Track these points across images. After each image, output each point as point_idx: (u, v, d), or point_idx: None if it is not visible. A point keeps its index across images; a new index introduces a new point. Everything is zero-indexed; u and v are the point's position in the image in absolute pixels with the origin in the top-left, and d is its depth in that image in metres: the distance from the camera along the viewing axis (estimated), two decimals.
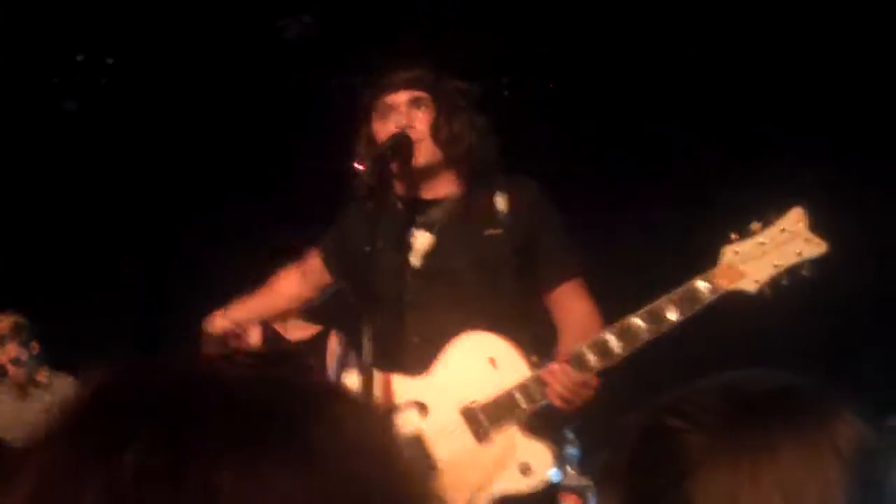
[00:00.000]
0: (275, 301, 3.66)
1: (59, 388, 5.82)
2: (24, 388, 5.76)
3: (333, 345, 5.14)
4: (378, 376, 2.97)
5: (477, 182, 3.29)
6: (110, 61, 6.88)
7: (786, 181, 3.95)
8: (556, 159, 5.92)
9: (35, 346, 5.76)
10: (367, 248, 3.05)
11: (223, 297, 3.69)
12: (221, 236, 6.99)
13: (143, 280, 7.88)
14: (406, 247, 3.22)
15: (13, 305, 5.86)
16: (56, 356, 5.86)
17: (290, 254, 3.94)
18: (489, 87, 6.17)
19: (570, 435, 5.56)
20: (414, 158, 3.17)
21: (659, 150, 6.63)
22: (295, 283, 3.60)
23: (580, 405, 3.00)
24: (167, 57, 6.76)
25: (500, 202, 3.25)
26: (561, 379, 2.93)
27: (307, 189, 6.23)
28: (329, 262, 3.48)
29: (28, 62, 6.79)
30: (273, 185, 7.17)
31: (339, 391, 0.85)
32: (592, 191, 6.37)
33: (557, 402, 2.98)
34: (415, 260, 3.21)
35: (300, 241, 3.94)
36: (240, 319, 3.57)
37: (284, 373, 0.82)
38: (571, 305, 3.19)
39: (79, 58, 6.88)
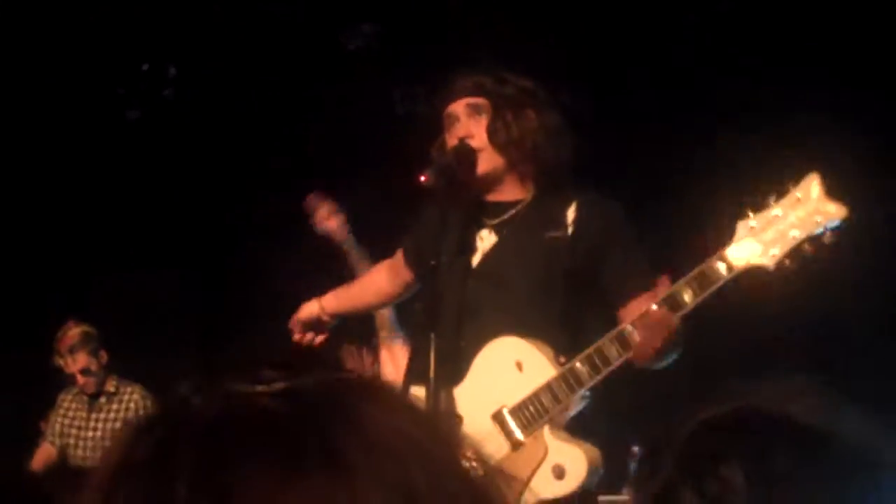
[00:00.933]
0: (364, 295, 3.62)
1: (127, 397, 5.88)
2: (93, 397, 5.83)
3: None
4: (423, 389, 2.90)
5: (550, 186, 3.21)
6: (174, 71, 6.94)
7: (797, 150, 3.80)
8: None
9: (104, 356, 5.84)
10: (433, 261, 3.01)
11: (279, 303, 3.72)
12: (282, 246, 7.02)
13: (203, 287, 7.93)
14: (470, 249, 3.19)
15: (80, 315, 5.93)
16: (123, 365, 5.92)
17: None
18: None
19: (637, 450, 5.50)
20: (477, 166, 3.14)
21: (670, 123, 6.50)
22: (384, 278, 3.55)
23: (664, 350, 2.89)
24: (230, 67, 6.81)
25: (571, 207, 3.18)
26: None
27: (373, 200, 6.23)
28: (409, 260, 3.43)
29: (94, 72, 6.87)
30: (337, 196, 7.19)
31: (376, 392, 0.84)
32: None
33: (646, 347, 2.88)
34: (475, 261, 3.17)
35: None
36: (332, 309, 3.56)
37: (317, 381, 0.82)
38: None
39: (143, 67, 6.95)
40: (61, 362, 5.78)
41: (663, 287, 2.88)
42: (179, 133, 7.22)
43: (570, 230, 3.13)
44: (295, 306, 3.63)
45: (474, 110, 3.21)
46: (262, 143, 7.10)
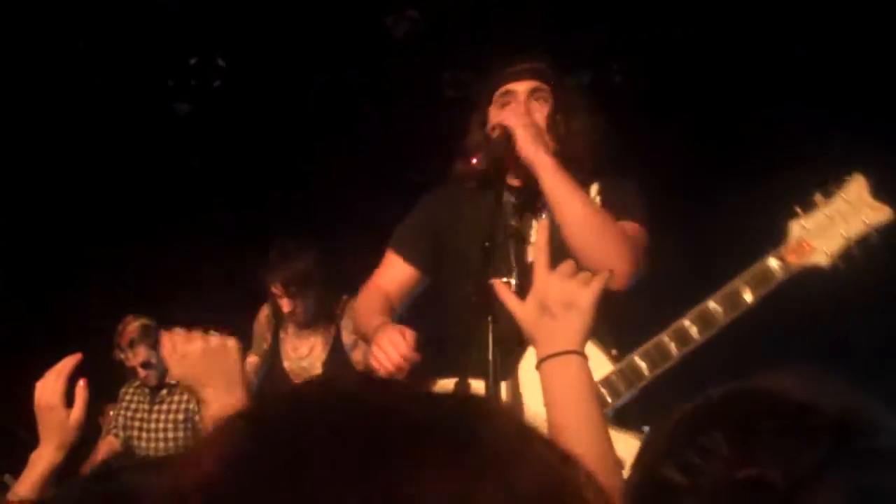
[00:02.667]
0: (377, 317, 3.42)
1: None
2: (155, 390, 5.89)
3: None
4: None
5: (579, 175, 3.22)
6: (222, 63, 6.98)
7: (842, 151, 3.79)
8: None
9: None
10: (486, 244, 2.98)
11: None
12: (340, 232, 7.04)
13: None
14: (524, 236, 3.19)
15: (141, 309, 6.00)
16: None
17: None
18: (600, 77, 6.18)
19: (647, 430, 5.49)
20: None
21: (721, 127, 6.45)
22: (377, 299, 3.45)
23: None
24: (277, 58, 6.83)
25: (593, 192, 3.23)
26: None
27: (421, 186, 6.23)
28: (409, 256, 3.43)
29: (143, 65, 6.93)
30: (384, 182, 7.20)
31: (485, 401, 0.86)
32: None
33: None
34: (530, 248, 3.16)
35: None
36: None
37: (452, 397, 0.85)
38: None
39: (192, 61, 7.00)
40: (122, 356, 5.86)
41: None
42: (229, 124, 7.25)
43: None
44: None
45: (536, 94, 3.22)
46: (311, 131, 7.12)
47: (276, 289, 4.98)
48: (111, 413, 5.99)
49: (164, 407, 5.88)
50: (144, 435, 5.86)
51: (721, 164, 6.24)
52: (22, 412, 4.80)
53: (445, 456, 0.76)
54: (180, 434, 5.75)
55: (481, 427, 0.80)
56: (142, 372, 5.86)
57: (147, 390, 5.93)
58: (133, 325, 5.84)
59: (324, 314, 5.04)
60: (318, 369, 4.99)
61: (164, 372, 5.89)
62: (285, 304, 4.97)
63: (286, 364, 5.09)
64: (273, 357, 5.13)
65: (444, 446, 0.77)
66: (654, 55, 6.46)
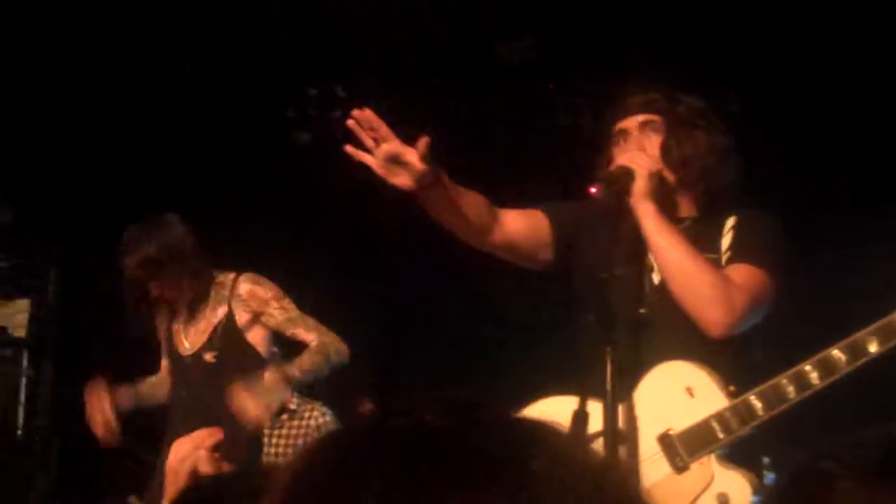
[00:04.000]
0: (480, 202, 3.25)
1: (308, 414, 5.97)
2: (274, 415, 5.84)
3: None
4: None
5: (712, 206, 3.29)
6: (343, 94, 7.11)
7: None
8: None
9: None
10: (606, 273, 3.00)
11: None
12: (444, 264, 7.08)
13: (377, 305, 8.05)
14: (646, 266, 3.22)
15: None
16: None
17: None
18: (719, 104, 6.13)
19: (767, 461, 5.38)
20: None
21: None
22: (518, 220, 3.32)
23: None
24: (392, 86, 6.92)
25: (729, 223, 3.24)
26: None
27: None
28: (557, 223, 3.36)
29: (264, 95, 7.08)
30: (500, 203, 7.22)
31: (551, 439, 0.89)
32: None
33: None
34: (655, 277, 3.21)
35: None
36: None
37: (496, 420, 0.89)
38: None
39: (311, 92, 7.14)
40: None
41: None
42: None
43: (720, 251, 3.19)
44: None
45: (648, 128, 3.27)
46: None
47: (139, 271, 4.56)
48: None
49: (284, 432, 5.87)
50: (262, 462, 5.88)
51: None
52: (140, 434, 4.97)
53: (493, 483, 0.79)
54: None
55: (534, 458, 0.82)
56: None
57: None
58: None
59: (205, 295, 4.69)
60: (211, 356, 4.66)
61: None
62: (154, 288, 4.60)
63: (185, 357, 4.74)
64: (172, 355, 4.82)
65: (492, 474, 0.80)
66: (776, 82, 6.40)
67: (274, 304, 4.62)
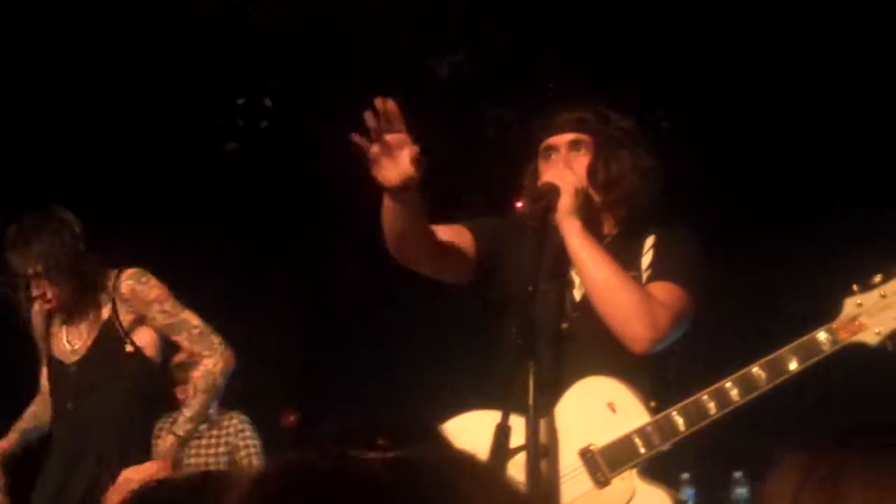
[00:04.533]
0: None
1: (226, 422, 5.95)
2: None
3: None
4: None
5: (635, 222, 3.34)
6: (269, 104, 7.08)
7: None
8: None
9: None
10: (530, 287, 3.01)
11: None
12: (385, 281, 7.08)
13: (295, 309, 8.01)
14: (568, 283, 3.26)
15: None
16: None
17: None
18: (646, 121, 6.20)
19: (685, 477, 5.46)
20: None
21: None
22: (444, 234, 3.32)
23: None
24: (320, 98, 6.91)
25: (649, 241, 3.30)
26: None
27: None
28: (480, 238, 3.38)
29: (192, 104, 7.03)
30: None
31: (477, 471, 0.91)
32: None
33: None
34: (577, 292, 3.25)
35: None
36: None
37: (425, 455, 0.88)
38: None
39: (239, 101, 7.10)
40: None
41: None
42: (275, 163, 7.34)
43: (640, 268, 3.24)
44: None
45: (577, 146, 3.29)
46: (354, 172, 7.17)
47: (25, 272, 4.25)
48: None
49: (204, 442, 5.88)
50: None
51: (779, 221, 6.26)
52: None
53: None
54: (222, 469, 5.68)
55: (464, 488, 0.83)
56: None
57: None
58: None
59: (88, 295, 4.34)
60: (98, 361, 4.35)
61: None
62: (35, 288, 4.27)
63: (64, 361, 4.42)
64: (53, 362, 4.48)
65: None
66: (702, 98, 6.48)
67: (156, 306, 4.30)
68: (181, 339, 4.31)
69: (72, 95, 6.67)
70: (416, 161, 2.94)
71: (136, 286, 4.31)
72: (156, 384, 4.48)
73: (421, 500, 0.81)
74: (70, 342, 4.41)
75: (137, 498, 1.65)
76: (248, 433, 5.96)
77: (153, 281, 4.34)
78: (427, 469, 0.84)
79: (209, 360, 4.26)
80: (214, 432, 5.92)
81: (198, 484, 1.52)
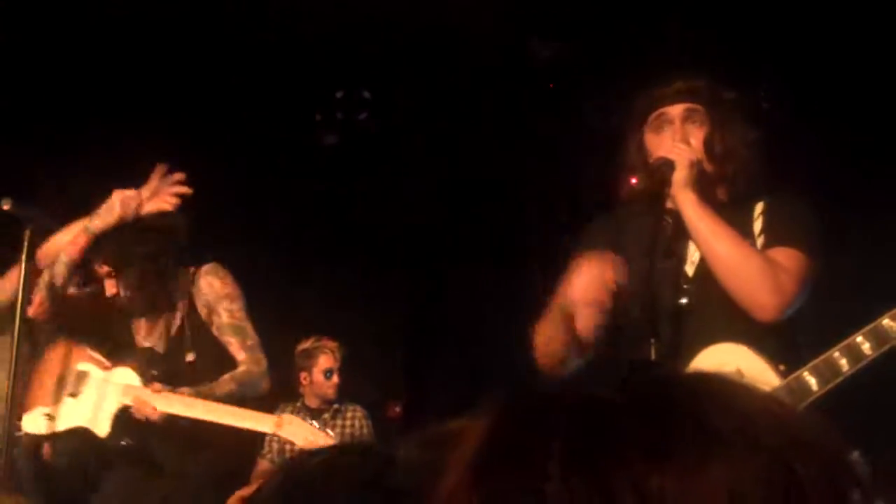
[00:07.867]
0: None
1: (350, 415, 6.07)
2: (317, 412, 5.94)
3: None
4: None
5: (742, 191, 3.30)
6: (368, 96, 7.13)
7: None
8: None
9: None
10: (647, 266, 3.00)
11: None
12: (483, 273, 7.08)
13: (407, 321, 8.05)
14: (682, 257, 3.23)
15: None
16: None
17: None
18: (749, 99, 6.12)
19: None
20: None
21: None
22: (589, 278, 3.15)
23: None
24: (422, 88, 6.94)
25: (757, 210, 3.26)
26: None
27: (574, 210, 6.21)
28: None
29: (292, 99, 7.10)
30: (522, 210, 7.23)
31: (728, 382, 0.87)
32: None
33: None
34: (689, 268, 3.22)
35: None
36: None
37: (667, 377, 0.86)
38: None
39: (338, 94, 7.16)
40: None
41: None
42: (376, 158, 7.39)
43: (753, 236, 3.21)
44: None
45: (691, 116, 3.27)
46: (455, 163, 7.20)
47: (99, 268, 4.21)
48: (266, 437, 5.89)
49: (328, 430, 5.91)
50: None
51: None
52: None
53: (675, 447, 0.77)
54: None
55: (708, 409, 0.80)
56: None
57: (308, 412, 5.87)
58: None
59: (162, 295, 4.32)
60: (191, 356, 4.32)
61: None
62: (109, 287, 4.23)
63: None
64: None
65: (673, 438, 0.78)
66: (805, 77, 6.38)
67: (225, 302, 4.30)
68: (234, 342, 4.27)
69: (175, 95, 6.79)
70: None
71: (213, 280, 4.33)
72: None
73: (689, 409, 0.79)
74: (146, 338, 4.38)
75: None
76: (366, 425, 6.09)
77: (229, 279, 4.37)
78: (679, 385, 0.83)
79: (254, 367, 4.23)
80: (339, 422, 6.00)
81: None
